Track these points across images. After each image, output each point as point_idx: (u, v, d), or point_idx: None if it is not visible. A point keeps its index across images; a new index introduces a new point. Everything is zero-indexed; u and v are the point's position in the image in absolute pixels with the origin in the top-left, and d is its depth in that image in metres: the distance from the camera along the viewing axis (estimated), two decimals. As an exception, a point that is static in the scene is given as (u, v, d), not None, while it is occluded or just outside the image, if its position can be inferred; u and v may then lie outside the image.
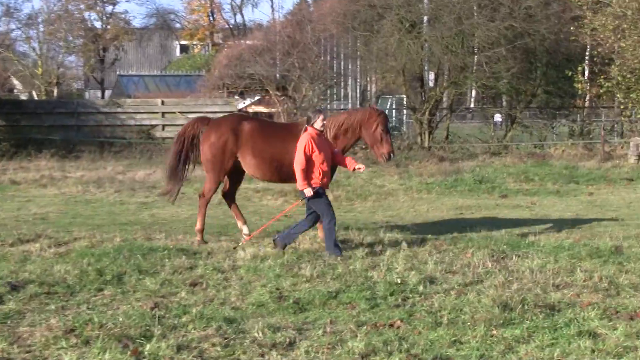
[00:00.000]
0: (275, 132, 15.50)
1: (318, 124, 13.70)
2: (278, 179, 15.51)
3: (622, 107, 39.10)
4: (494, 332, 9.29)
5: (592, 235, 15.93)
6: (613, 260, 13.27)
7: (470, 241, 14.98)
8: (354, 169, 14.27)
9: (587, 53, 42.09)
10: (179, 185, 15.85)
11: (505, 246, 14.43)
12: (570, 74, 38.80)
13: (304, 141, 13.57)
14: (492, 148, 36.99)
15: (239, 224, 15.73)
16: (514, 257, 13.44)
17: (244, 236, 15.26)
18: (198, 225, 15.28)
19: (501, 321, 9.62)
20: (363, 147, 30.27)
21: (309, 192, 13.45)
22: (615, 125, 41.11)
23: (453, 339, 9.07)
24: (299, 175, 13.49)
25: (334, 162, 14.15)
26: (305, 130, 13.78)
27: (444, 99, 42.49)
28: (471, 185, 25.63)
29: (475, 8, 37.90)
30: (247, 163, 15.21)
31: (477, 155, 34.63)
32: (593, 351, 8.62)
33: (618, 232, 15.95)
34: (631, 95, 37.19)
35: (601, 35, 36.42)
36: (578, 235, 15.82)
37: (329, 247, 13.52)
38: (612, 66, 36.70)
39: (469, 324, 9.59)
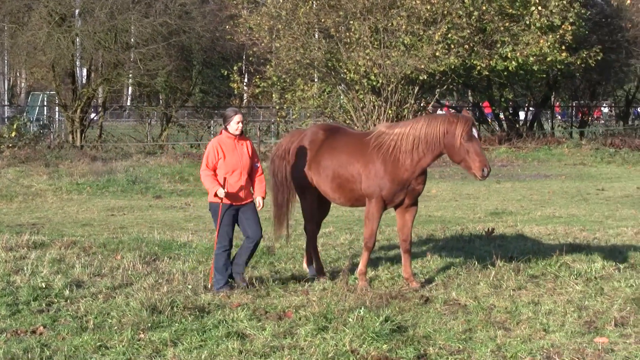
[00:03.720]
0: (343, 144, 12.58)
1: (232, 126, 11.63)
2: (346, 200, 12.74)
3: (277, 107, 40.40)
4: (142, 335, 9.33)
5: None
6: (265, 261, 13.70)
7: (121, 243, 14.96)
8: (258, 198, 11.92)
9: (243, 52, 43.18)
10: (285, 220, 13.19)
11: (157, 248, 14.52)
12: (226, 73, 39.66)
13: (208, 148, 11.73)
14: (147, 148, 37.05)
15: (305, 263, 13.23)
16: (165, 259, 13.56)
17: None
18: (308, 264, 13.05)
19: (149, 324, 9.69)
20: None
21: (221, 192, 11.38)
22: (272, 126, 42.39)
23: (99, 343, 9.03)
24: (204, 180, 11.64)
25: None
26: (220, 133, 11.87)
27: (99, 96, 42.06)
28: (124, 186, 25.57)
29: (130, 3, 37.80)
30: (315, 183, 12.72)
31: (131, 154, 34.54)
32: (241, 352, 8.84)
33: (270, 233, 16.43)
34: (286, 96, 38.53)
35: (257, 35, 37.38)
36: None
37: (216, 280, 11.65)
38: (268, 66, 37.80)
39: (116, 328, 9.59)
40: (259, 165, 12.00)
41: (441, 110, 45.21)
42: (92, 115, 40.07)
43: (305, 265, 13.01)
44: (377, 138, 12.14)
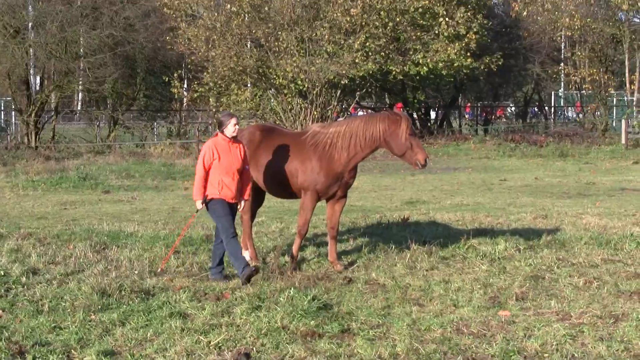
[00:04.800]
0: (280, 142, 12.39)
1: (229, 130, 11.11)
2: (283, 193, 12.71)
3: (214, 110, 40.25)
4: (93, 317, 9.26)
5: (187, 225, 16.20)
6: (204, 248, 13.63)
7: (73, 234, 14.79)
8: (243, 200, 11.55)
9: (183, 61, 42.99)
10: None
11: (106, 238, 14.38)
12: (167, 79, 39.50)
13: (205, 148, 11.22)
14: (96, 147, 36.70)
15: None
16: (114, 248, 13.43)
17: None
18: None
19: (99, 307, 9.62)
20: None
21: (198, 204, 11.17)
22: (209, 127, 42.22)
23: (53, 325, 8.94)
24: (195, 184, 11.21)
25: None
26: (216, 135, 11.37)
27: (51, 101, 41.52)
28: (76, 182, 25.23)
29: (79, 16, 37.38)
30: (255, 178, 12.49)
31: (82, 154, 34.30)
32: (183, 330, 8.79)
33: (209, 222, 16.35)
34: (222, 100, 38.44)
35: (194, 45, 37.26)
36: (173, 226, 16.04)
37: (237, 265, 11.01)
38: (205, 73, 37.64)
39: (69, 310, 9.50)
40: (248, 167, 11.60)
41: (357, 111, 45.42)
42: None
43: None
44: (313, 137, 12.10)
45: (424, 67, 37.06)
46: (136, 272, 11.60)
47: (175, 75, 38.99)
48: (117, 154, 34.11)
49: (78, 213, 18.90)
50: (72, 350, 8.16)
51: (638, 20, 48.14)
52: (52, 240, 14.23)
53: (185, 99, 44.20)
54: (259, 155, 12.43)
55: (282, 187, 12.38)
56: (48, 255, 12.78)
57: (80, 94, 49.22)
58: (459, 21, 37.22)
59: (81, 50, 39.17)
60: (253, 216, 13.22)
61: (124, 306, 9.70)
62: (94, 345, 8.31)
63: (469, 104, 55.21)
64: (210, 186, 11.17)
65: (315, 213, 12.94)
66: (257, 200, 13.15)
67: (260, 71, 36.43)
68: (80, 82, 40.82)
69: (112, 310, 9.50)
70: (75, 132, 42.18)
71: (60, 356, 7.97)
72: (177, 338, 8.53)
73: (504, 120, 54.54)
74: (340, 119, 36.95)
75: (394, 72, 36.89)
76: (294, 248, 12.23)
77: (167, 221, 16.94)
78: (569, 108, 56.79)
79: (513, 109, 56.84)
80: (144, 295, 10.23)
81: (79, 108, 51.56)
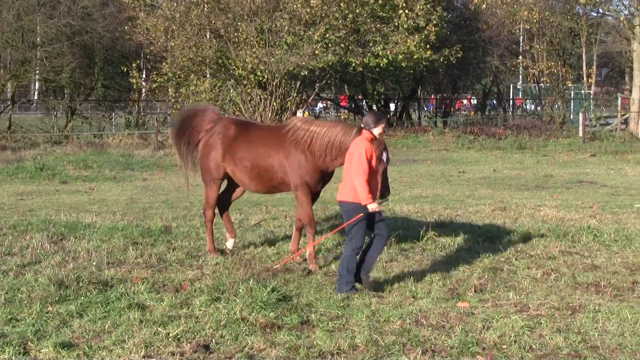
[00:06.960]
0: (259, 136, 12.27)
1: (377, 130, 10.35)
2: (263, 188, 12.37)
3: (173, 100, 40.07)
4: (50, 308, 9.18)
5: (144, 216, 16.12)
6: (162, 239, 13.55)
7: (30, 225, 14.63)
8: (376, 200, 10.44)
9: (142, 51, 42.74)
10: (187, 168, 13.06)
11: (63, 229, 14.24)
12: (126, 69, 39.25)
13: (363, 146, 10.18)
14: (54, 138, 36.37)
15: (228, 236, 12.94)
16: (71, 239, 13.32)
17: (227, 250, 12.68)
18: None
19: (57, 298, 9.54)
20: None
21: (373, 207, 10.10)
22: (168, 117, 42.04)
23: (10, 316, 8.85)
24: (361, 186, 10.06)
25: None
26: (360, 133, 10.49)
27: (8, 91, 41.08)
28: (32, 173, 24.99)
29: (36, 5, 37.02)
30: (231, 173, 12.46)
31: (39, 144, 33.98)
32: (141, 321, 8.74)
33: (167, 214, 16.30)
34: (181, 90, 38.24)
35: (153, 35, 37.05)
36: (132, 217, 15.93)
37: (340, 279, 10.29)
38: (164, 63, 37.43)
39: (25, 302, 9.42)
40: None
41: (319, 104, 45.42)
42: None
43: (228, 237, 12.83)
44: (294, 132, 11.80)
45: (384, 59, 37.14)
46: (94, 263, 11.54)
47: (134, 65, 38.75)
48: (75, 144, 33.83)
49: (35, 204, 18.71)
50: (29, 342, 8.08)
51: (595, 14, 48.66)
52: (9, 231, 14.10)
53: (143, 90, 43.96)
54: (235, 149, 12.27)
55: (262, 180, 12.22)
56: (4, 246, 12.67)
57: (37, 84, 48.77)
58: (419, 13, 37.37)
59: (38, 39, 38.79)
60: (225, 207, 13.05)
61: (82, 298, 9.63)
62: (51, 337, 8.24)
63: (432, 96, 55.44)
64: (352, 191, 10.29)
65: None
66: (229, 193, 13.08)
67: (220, 62, 36.28)
68: (37, 72, 40.45)
69: (69, 302, 9.43)
70: (32, 121, 41.75)
71: (16, 348, 7.88)
72: (135, 330, 8.48)
73: (464, 112, 54.85)
74: (299, 111, 36.96)
75: (353, 64, 36.93)
76: (309, 246, 11.90)
77: (125, 212, 16.82)
78: (527, 100, 57.26)
79: (471, 101, 57.17)
80: (102, 287, 10.15)
81: (35, 98, 51.05)
